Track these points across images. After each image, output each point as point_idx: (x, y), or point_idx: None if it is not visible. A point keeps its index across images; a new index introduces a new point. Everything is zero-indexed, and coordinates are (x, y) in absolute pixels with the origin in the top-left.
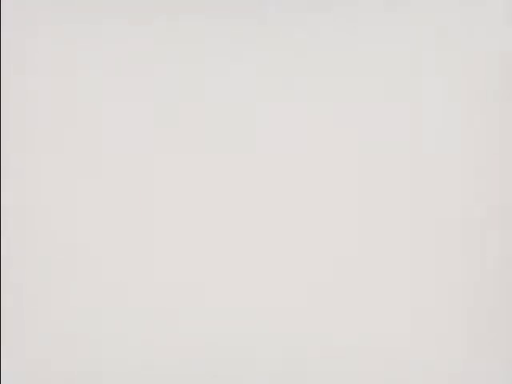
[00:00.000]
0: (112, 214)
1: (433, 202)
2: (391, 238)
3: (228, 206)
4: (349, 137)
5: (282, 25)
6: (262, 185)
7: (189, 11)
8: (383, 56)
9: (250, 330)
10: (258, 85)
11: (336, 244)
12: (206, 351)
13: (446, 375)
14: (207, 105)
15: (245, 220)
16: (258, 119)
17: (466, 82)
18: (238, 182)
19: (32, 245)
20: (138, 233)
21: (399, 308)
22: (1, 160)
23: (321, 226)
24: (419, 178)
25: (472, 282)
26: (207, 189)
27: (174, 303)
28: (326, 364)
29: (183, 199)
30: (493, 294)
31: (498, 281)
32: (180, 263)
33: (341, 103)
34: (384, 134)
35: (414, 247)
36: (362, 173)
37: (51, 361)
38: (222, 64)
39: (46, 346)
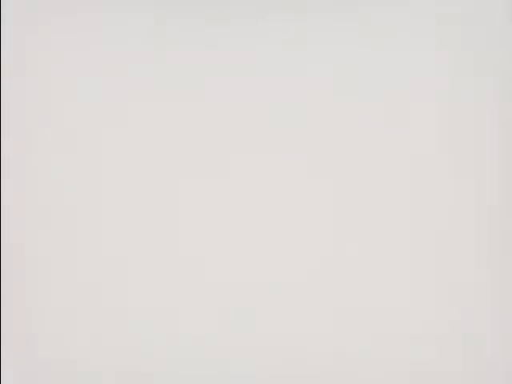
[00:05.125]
0: (114, 215)
1: (433, 202)
2: (390, 239)
3: (232, 214)
4: (348, 136)
5: (281, 24)
6: (263, 187)
7: (190, 12)
8: (383, 56)
9: (250, 331)
10: (258, 84)
11: (336, 245)
12: (205, 351)
13: (446, 375)
14: (208, 104)
15: (245, 222)
16: (258, 119)
17: (466, 82)
18: (239, 184)
19: (32, 245)
20: (141, 233)
21: (398, 308)
22: (1, 160)
23: (321, 226)
24: (419, 178)
25: (471, 282)
26: (212, 192)
27: (173, 304)
28: (326, 363)
29: (190, 203)
30: (492, 295)
31: (498, 281)
32: (180, 264)
33: (340, 103)
34: (384, 134)
35: (414, 247)
36: (362, 171)
37: (51, 361)
38: (222, 64)
39: (46, 346)
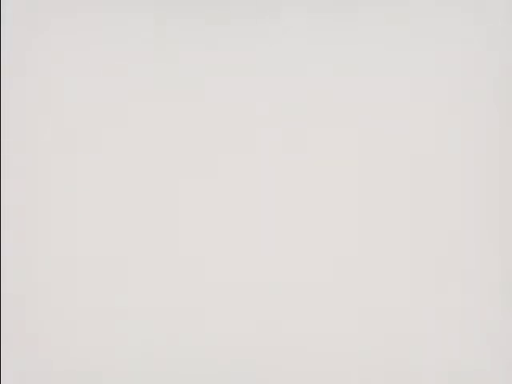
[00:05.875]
0: (115, 215)
1: (432, 202)
2: (392, 238)
3: (233, 213)
4: (349, 136)
5: (281, 24)
6: (263, 185)
7: (190, 12)
8: (383, 56)
9: (250, 331)
10: (258, 84)
11: (337, 245)
12: (206, 351)
13: (446, 375)
14: (208, 104)
15: (246, 221)
16: (258, 118)
17: (466, 83)
18: (240, 184)
19: (32, 245)
20: (142, 233)
21: (399, 308)
22: (0, 160)
23: (321, 227)
24: (419, 178)
25: (471, 282)
26: (212, 192)
27: (173, 305)
28: (327, 364)
29: (190, 203)
30: (492, 294)
31: (498, 280)
32: (181, 263)
33: (340, 103)
34: (384, 134)
35: (414, 247)
36: (362, 171)
37: (51, 361)
38: (222, 64)
39: (46, 346)
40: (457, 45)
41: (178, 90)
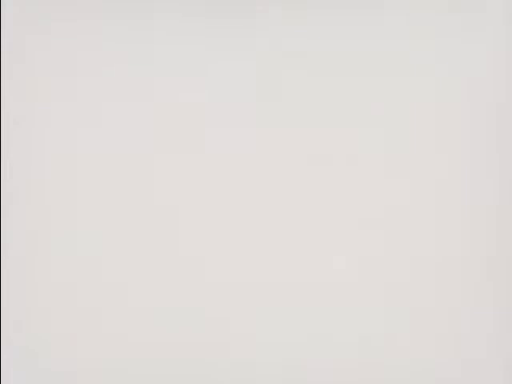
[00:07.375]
0: (111, 213)
1: (432, 203)
2: (390, 240)
3: (232, 212)
4: (348, 136)
5: (281, 24)
6: (258, 184)
7: (188, 11)
8: (382, 56)
9: (250, 331)
10: (258, 84)
11: (337, 245)
12: (207, 351)
13: (447, 375)
14: (207, 104)
15: (246, 221)
16: (259, 117)
17: (466, 83)
18: (240, 183)
19: (32, 244)
20: (138, 231)
21: (399, 309)
22: (1, 160)
23: (322, 227)
24: (419, 179)
25: (471, 282)
26: (205, 190)
27: (173, 305)
28: (327, 365)
29: (182, 200)
30: (493, 293)
31: (498, 278)
32: (179, 263)
33: (340, 103)
34: (383, 132)
35: (414, 248)
36: (362, 170)
37: (51, 361)
38: (222, 63)
39: (45, 346)
40: (457, 45)
41: (178, 90)
